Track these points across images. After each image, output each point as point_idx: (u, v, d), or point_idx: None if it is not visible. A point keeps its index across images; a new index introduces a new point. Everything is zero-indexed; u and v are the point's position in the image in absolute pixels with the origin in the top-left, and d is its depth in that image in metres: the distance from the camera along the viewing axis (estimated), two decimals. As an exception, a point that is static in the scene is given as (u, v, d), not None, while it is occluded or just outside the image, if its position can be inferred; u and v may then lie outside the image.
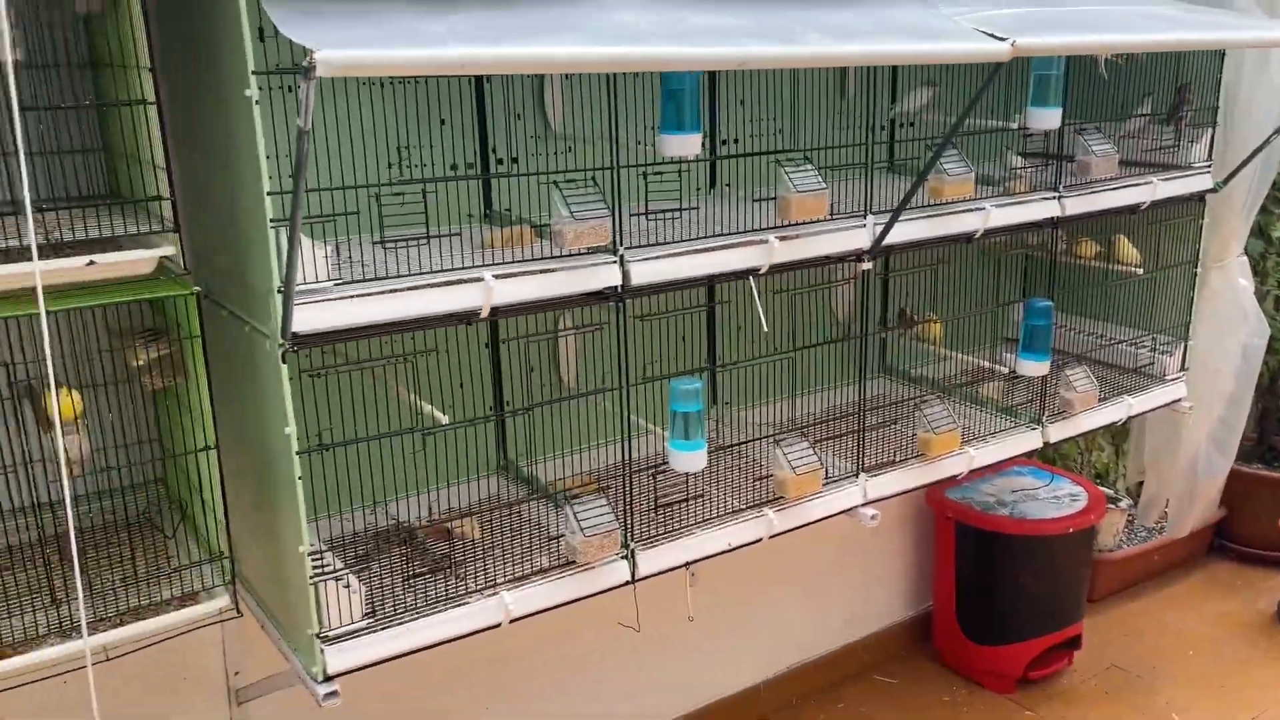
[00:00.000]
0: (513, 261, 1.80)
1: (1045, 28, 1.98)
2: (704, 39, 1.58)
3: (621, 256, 1.89)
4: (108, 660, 1.65)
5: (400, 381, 1.98)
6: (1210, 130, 2.70)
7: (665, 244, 1.95)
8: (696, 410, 2.00)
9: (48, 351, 1.43)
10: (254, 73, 1.48)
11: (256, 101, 1.49)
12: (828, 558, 3.21)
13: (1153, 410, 2.86)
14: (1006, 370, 2.62)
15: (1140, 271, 2.74)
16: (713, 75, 2.40)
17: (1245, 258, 3.08)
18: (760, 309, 2.08)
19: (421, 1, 1.52)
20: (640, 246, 1.92)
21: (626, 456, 2.00)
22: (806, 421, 2.51)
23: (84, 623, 1.53)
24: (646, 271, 1.92)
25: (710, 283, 2.07)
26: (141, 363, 1.71)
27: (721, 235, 2.02)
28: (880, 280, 2.86)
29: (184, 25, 1.71)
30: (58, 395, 1.50)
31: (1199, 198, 2.76)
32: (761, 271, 2.06)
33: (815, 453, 2.22)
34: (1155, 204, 2.66)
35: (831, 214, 2.13)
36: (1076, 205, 2.50)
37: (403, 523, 2.09)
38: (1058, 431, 2.64)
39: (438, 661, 2.43)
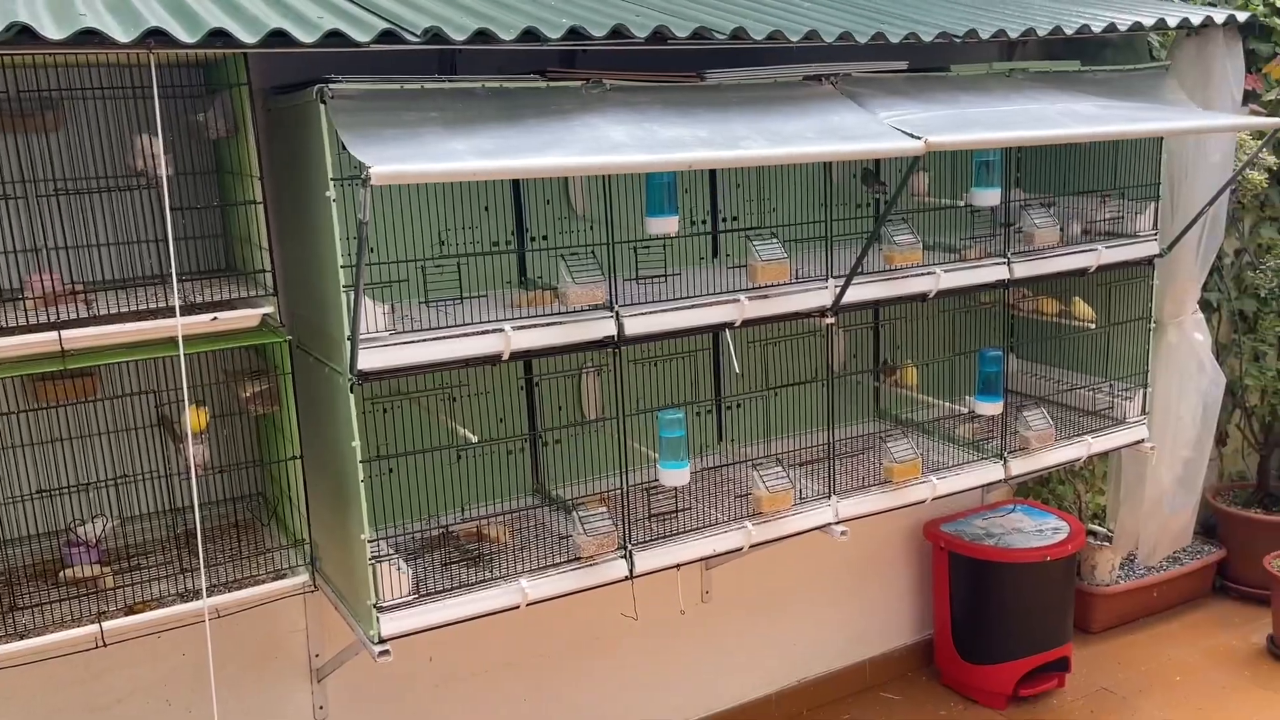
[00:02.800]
0: (529, 317, 2.32)
1: (959, 127, 2.44)
2: (663, 148, 2.09)
3: (617, 312, 2.39)
4: (219, 617, 2.17)
5: (446, 412, 2.51)
6: (1154, 203, 3.10)
7: (653, 303, 2.44)
8: (679, 436, 2.47)
9: (184, 382, 1.99)
10: (332, 179, 2.05)
11: (334, 200, 2.05)
12: (838, 584, 3.60)
13: (1114, 449, 3.21)
14: (966, 411, 3.02)
15: (1093, 326, 3.12)
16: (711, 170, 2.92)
17: (1200, 314, 3.42)
18: (734, 356, 2.56)
19: (453, 125, 2.06)
20: (633, 304, 2.42)
21: (624, 473, 2.48)
22: (792, 454, 2.96)
23: (204, 584, 2.07)
24: (639, 324, 2.41)
25: (700, 333, 2.56)
26: (248, 394, 2.27)
27: (702, 296, 2.50)
28: (872, 333, 3.31)
29: (285, 145, 2.30)
30: (189, 412, 2.05)
31: (1148, 262, 3.15)
32: (736, 325, 2.53)
33: (787, 476, 2.66)
34: (1104, 267, 3.06)
35: (796, 278, 2.61)
36: (1024, 269, 2.92)
37: (448, 527, 2.59)
38: (1019, 466, 3.03)
39: (483, 647, 2.92)
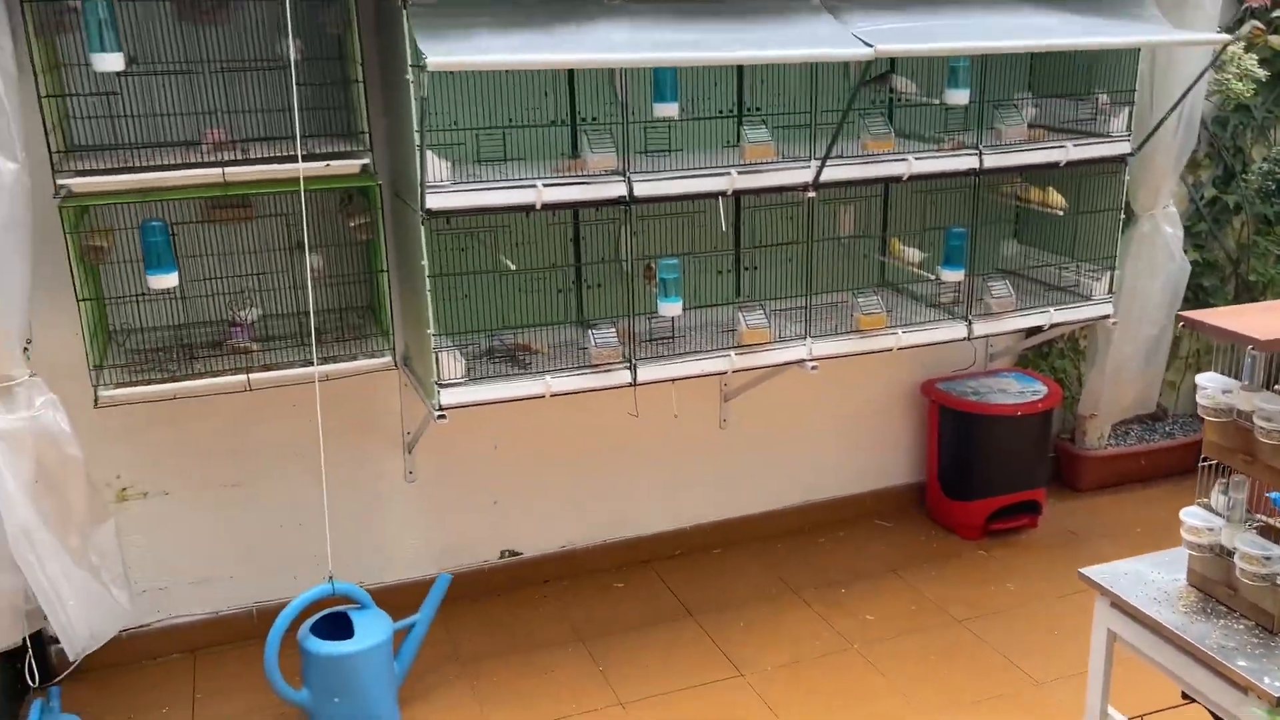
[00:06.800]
0: (560, 177, 3.05)
1: (914, 38, 2.98)
2: (655, 48, 2.76)
3: (629, 177, 3.09)
4: (327, 381, 3.05)
5: (503, 251, 3.30)
6: (1128, 108, 3.52)
7: (658, 172, 3.12)
8: (675, 277, 3.18)
9: (304, 211, 2.83)
10: (410, 65, 2.81)
11: (411, 81, 2.82)
12: (846, 427, 4.26)
13: (1076, 322, 3.71)
14: (934, 277, 3.59)
15: (1061, 213, 3.61)
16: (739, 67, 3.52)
17: (1174, 208, 3.82)
18: (722, 218, 3.23)
19: (498, 28, 2.78)
20: (643, 172, 3.11)
21: (630, 302, 3.21)
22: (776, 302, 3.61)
23: (314, 351, 2.95)
24: (646, 188, 3.11)
25: (699, 199, 3.23)
26: (354, 224, 3.11)
27: (701, 168, 3.17)
28: (880, 212, 3.89)
29: (387, 39, 3.07)
30: (308, 233, 2.90)
31: (1120, 159, 3.59)
32: (727, 194, 3.20)
33: (766, 317, 3.34)
34: (1074, 163, 3.53)
35: (782, 158, 3.24)
36: (994, 160, 3.43)
37: (505, 340, 3.40)
38: (983, 328, 3.59)
39: (539, 444, 3.75)
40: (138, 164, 2.77)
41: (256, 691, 3.29)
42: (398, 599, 3.59)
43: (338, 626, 3.08)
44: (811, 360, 3.43)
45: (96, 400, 2.86)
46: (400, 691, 3.21)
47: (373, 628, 3.06)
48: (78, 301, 2.80)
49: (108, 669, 3.40)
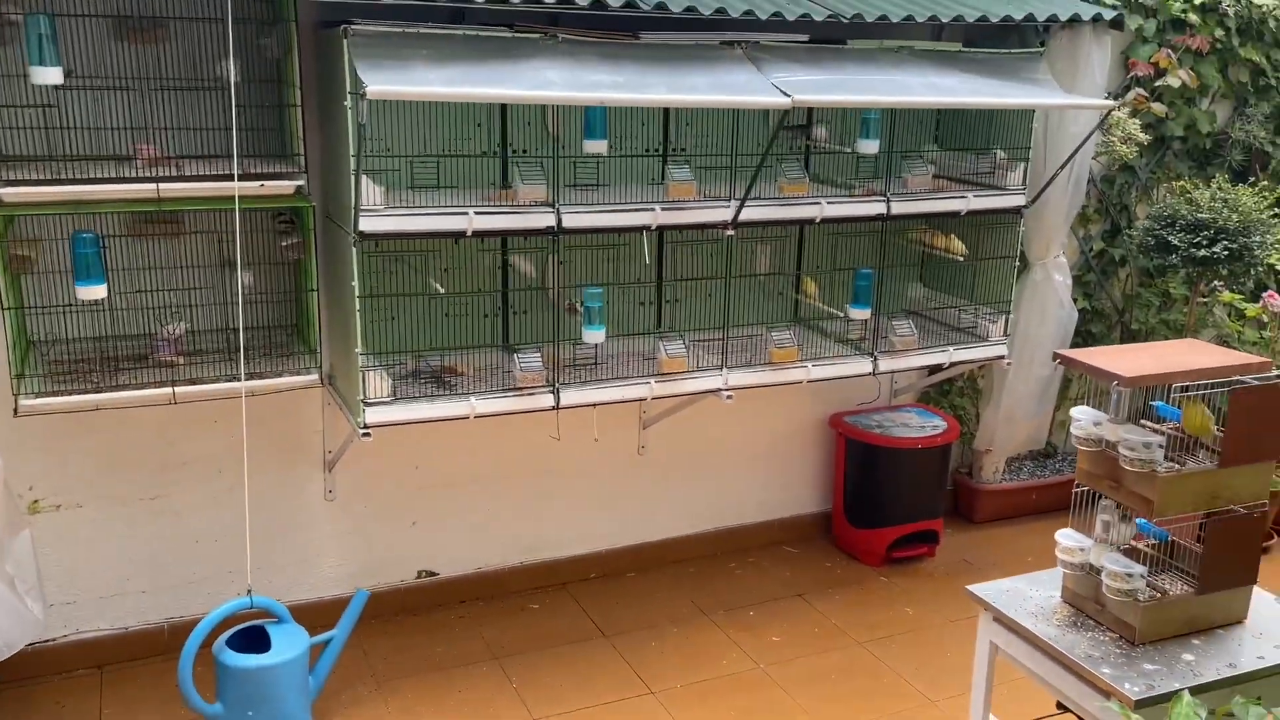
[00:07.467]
0: (492, 206, 3.16)
1: (828, 89, 3.18)
2: (586, 88, 2.90)
3: (558, 208, 3.22)
4: (253, 396, 3.09)
5: (432, 275, 3.39)
6: (1024, 164, 3.79)
7: (587, 204, 3.26)
8: (599, 306, 3.31)
9: (238, 229, 2.89)
10: (349, 92, 2.90)
11: (349, 107, 2.91)
12: (758, 457, 4.42)
13: (972, 361, 3.96)
14: (842, 315, 3.79)
15: (962, 259, 3.85)
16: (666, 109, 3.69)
17: (1064, 259, 4.11)
18: (646, 251, 3.37)
19: (435, 61, 2.89)
20: (572, 204, 3.24)
21: (555, 328, 3.33)
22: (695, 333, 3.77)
23: (241, 366, 3.00)
24: (574, 220, 3.24)
25: (626, 232, 3.37)
26: (286, 244, 3.18)
27: (627, 203, 3.32)
28: (796, 250, 4.08)
29: (325, 66, 3.16)
30: (240, 253, 2.95)
31: (1016, 211, 3.85)
32: (651, 228, 3.35)
33: (685, 347, 3.49)
34: (975, 212, 3.77)
35: (704, 197, 3.40)
36: (901, 207, 3.65)
37: (430, 363, 3.48)
38: (887, 364, 3.80)
39: (458, 466, 3.82)
40: (71, 176, 2.80)
41: (166, 705, 3.28)
42: (315, 616, 3.61)
43: (254, 641, 3.10)
44: (727, 390, 3.58)
45: (16, 409, 2.86)
46: (315, 707, 3.23)
47: (289, 641, 3.09)
48: (1, 310, 2.81)
49: (10, 684, 3.35)
